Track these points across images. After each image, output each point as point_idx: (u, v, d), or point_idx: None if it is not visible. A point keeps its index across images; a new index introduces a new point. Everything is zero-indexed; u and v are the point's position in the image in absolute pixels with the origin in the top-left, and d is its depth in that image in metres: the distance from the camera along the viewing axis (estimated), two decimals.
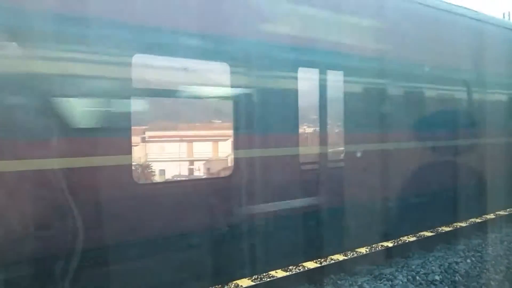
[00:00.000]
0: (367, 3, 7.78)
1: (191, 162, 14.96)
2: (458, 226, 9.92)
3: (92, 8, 4.80)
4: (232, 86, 5.85)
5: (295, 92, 6.43)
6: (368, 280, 6.96)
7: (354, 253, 8.08)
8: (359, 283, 6.78)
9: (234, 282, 6.61)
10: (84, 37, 4.71)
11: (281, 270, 7.12)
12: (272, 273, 6.99)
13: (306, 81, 6.65)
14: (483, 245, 8.75)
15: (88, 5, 4.76)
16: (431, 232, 9.40)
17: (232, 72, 5.77)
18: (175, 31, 5.42)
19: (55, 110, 4.49)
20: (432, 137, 8.51)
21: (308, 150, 6.92)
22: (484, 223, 10.28)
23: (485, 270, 7.41)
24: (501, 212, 10.93)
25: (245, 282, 6.65)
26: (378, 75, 7.66)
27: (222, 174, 7.03)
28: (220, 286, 6.44)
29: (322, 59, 6.83)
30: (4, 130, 4.26)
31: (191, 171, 14.51)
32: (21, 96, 4.38)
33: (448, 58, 9.01)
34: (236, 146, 5.89)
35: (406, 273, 7.22)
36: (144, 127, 10.61)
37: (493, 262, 7.73)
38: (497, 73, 10.13)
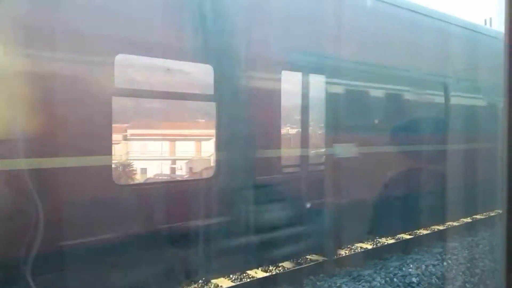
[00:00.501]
0: None
1: None
2: (435, 229, 10.07)
3: None
4: None
5: None
6: (347, 281, 7.02)
7: (333, 254, 8.15)
8: (338, 284, 6.84)
9: (214, 282, 6.61)
10: None
11: (261, 270, 7.14)
12: (251, 273, 7.00)
13: None
14: (460, 248, 8.90)
15: None
16: (410, 234, 9.53)
17: None
18: None
19: None
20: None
21: None
22: (461, 226, 10.47)
23: (461, 273, 7.55)
24: (478, 216, 11.14)
25: (225, 282, 6.64)
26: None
27: None
28: (198, 285, 6.44)
29: None
30: None
31: None
32: None
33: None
34: None
35: (384, 274, 7.31)
36: None
37: (469, 264, 7.87)
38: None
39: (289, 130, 7.93)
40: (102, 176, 5.13)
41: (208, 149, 8.27)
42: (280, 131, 7.00)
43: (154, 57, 5.80)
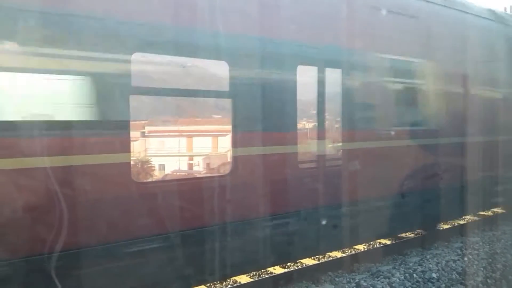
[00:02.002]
0: None
1: None
2: (456, 224, 9.96)
3: None
4: None
5: None
6: (365, 277, 7.00)
7: (352, 250, 8.12)
8: (357, 280, 6.82)
9: (233, 278, 6.65)
10: None
11: (279, 267, 7.16)
12: (270, 269, 7.03)
13: None
14: (481, 243, 8.79)
15: None
16: (429, 230, 9.44)
17: None
18: None
19: None
20: None
21: None
22: (481, 221, 10.32)
23: (482, 268, 7.45)
24: (498, 210, 10.98)
25: (243, 278, 6.69)
26: None
27: None
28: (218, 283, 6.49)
29: None
30: None
31: None
32: None
33: None
34: None
35: (404, 270, 7.26)
36: None
37: (490, 260, 7.77)
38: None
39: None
40: None
41: None
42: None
43: None
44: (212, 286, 6.51)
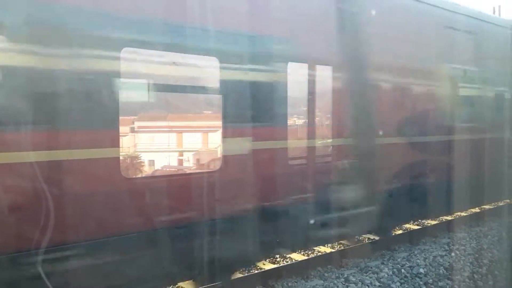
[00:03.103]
0: None
1: None
2: (443, 220, 10.08)
3: None
4: None
5: None
6: (354, 272, 7.06)
7: (341, 245, 8.18)
8: (346, 275, 6.88)
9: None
10: None
11: (269, 262, 7.20)
12: (260, 265, 7.06)
13: None
14: (467, 239, 8.90)
15: None
16: (417, 225, 9.54)
17: None
18: None
19: None
20: None
21: None
22: (469, 217, 10.45)
23: (469, 264, 7.56)
24: (486, 206, 11.12)
25: (234, 274, 6.70)
26: None
27: None
28: None
29: None
30: None
31: None
32: None
33: None
34: None
35: (392, 266, 7.34)
36: None
37: (477, 255, 7.88)
38: None
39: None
40: None
41: None
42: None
43: None
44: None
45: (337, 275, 6.95)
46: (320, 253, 7.70)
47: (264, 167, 6.37)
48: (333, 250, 7.85)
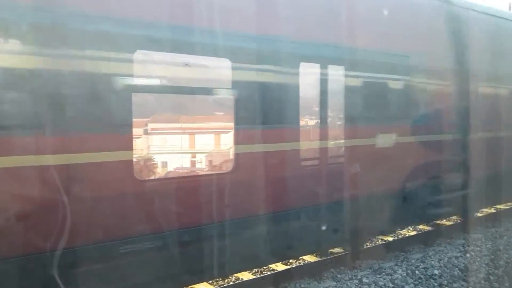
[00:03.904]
0: None
1: None
2: (458, 221, 9.94)
3: None
4: None
5: None
6: (367, 274, 7.00)
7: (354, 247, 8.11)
8: (359, 277, 6.83)
9: (235, 275, 6.67)
10: None
11: (281, 263, 7.17)
12: (273, 266, 7.04)
13: None
14: (483, 240, 8.78)
15: None
16: (431, 226, 9.43)
17: None
18: None
19: None
20: None
21: None
22: (484, 217, 10.31)
23: (484, 265, 7.45)
24: (502, 207, 10.96)
25: (245, 275, 6.70)
26: None
27: None
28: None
29: None
30: None
31: None
32: None
33: None
34: None
35: (406, 267, 7.27)
36: None
37: (493, 256, 7.77)
38: None
39: None
40: None
41: None
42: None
43: None
44: (215, 283, 6.52)
45: (350, 276, 6.91)
46: (333, 255, 7.65)
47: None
48: (346, 252, 7.79)
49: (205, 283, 6.22)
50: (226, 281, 6.61)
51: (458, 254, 7.90)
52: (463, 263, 7.48)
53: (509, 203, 11.04)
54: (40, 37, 4.47)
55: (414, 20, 8.29)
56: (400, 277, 6.86)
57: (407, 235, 8.83)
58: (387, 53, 7.68)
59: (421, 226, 9.26)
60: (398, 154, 7.77)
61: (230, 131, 7.13)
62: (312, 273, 6.94)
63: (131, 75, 5.02)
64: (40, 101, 4.49)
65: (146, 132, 16.67)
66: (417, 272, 7.07)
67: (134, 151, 5.28)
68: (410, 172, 8.03)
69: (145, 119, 15.40)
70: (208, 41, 5.66)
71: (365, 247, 8.06)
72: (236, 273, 6.61)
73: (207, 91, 6.16)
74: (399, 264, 7.47)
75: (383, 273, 7.01)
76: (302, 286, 6.60)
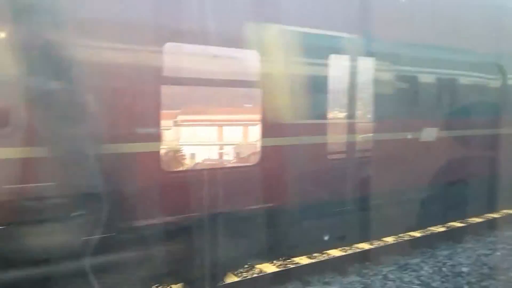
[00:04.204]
0: None
1: None
2: (489, 218, 9.69)
3: None
4: None
5: None
6: (393, 270, 6.92)
7: (380, 242, 8.03)
8: (384, 272, 6.76)
9: (258, 267, 6.70)
10: None
11: (306, 257, 7.16)
12: (297, 260, 7.04)
13: None
14: None
15: None
16: (460, 223, 9.23)
17: None
18: None
19: None
20: None
21: None
22: None
23: None
24: None
25: (269, 268, 6.72)
26: None
27: None
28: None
29: None
30: None
31: None
32: None
33: None
34: None
35: (433, 264, 7.14)
36: None
37: None
38: None
39: None
40: None
41: None
42: None
43: None
44: (239, 274, 6.57)
45: (375, 272, 6.84)
46: (358, 249, 7.58)
47: None
48: (371, 247, 7.72)
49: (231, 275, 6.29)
50: (250, 272, 6.66)
51: (488, 252, 7.71)
52: (493, 261, 7.30)
53: None
54: None
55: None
56: (426, 273, 6.76)
57: (435, 232, 8.66)
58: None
59: (450, 223, 9.07)
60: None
61: None
62: (336, 267, 6.90)
63: None
64: None
65: None
66: (444, 269, 6.94)
67: None
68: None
69: None
70: None
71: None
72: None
73: None
74: (425, 260, 7.34)
75: (409, 269, 6.92)
76: (326, 280, 6.58)
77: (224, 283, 6.02)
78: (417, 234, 8.44)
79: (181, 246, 5.50)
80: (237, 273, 6.51)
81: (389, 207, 7.23)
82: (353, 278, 6.64)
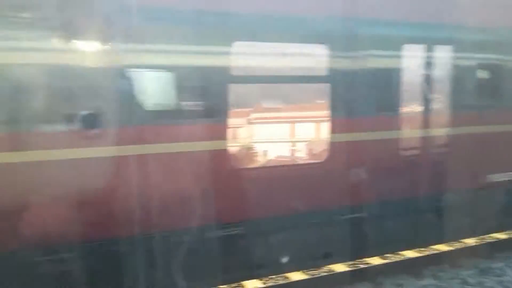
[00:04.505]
0: None
1: None
2: None
3: None
4: None
5: None
6: (472, 274, 6.55)
7: (459, 244, 7.61)
8: (462, 276, 6.41)
9: (328, 267, 6.63)
10: None
11: (379, 257, 6.98)
12: (369, 260, 6.87)
13: None
14: None
15: None
16: None
17: None
18: None
19: None
20: None
21: None
22: None
23: None
24: None
25: (338, 267, 6.61)
26: None
27: None
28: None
29: None
30: None
31: None
32: None
33: None
34: None
35: None
36: None
37: None
38: None
39: None
40: None
41: None
42: None
43: None
44: (307, 272, 6.54)
45: (452, 275, 6.52)
46: (434, 251, 7.24)
47: None
48: (449, 248, 7.34)
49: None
50: (318, 270, 6.61)
51: None
52: None
53: None
54: None
55: None
56: (510, 279, 6.31)
57: None
58: None
59: None
60: None
61: None
62: (410, 269, 6.65)
63: None
64: None
65: None
66: None
67: None
68: None
69: None
70: None
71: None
72: None
73: None
74: (510, 265, 6.85)
75: (491, 274, 6.51)
76: (400, 282, 6.38)
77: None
78: (502, 236, 7.89)
79: None
80: (306, 271, 6.50)
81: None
82: (429, 281, 6.37)
